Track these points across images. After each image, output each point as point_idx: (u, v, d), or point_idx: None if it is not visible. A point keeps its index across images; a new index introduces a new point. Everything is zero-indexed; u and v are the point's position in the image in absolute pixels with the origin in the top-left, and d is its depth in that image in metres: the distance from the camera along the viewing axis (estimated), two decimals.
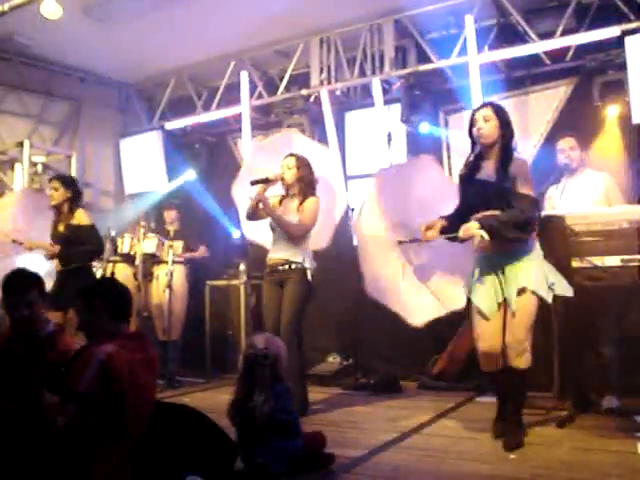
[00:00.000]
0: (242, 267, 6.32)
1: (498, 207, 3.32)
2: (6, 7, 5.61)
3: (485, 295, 3.47)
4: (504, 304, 3.44)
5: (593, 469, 3.03)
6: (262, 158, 5.02)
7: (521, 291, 3.35)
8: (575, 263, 4.06)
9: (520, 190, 3.32)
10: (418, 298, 4.18)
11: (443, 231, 3.59)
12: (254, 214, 4.56)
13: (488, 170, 3.47)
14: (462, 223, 3.48)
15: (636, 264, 3.97)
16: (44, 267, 5.01)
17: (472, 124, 3.53)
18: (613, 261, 4.00)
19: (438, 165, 4.46)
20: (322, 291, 4.63)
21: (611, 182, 4.70)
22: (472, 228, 3.33)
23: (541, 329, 4.15)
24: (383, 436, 3.76)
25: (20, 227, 5.46)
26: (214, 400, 5.00)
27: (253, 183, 4.50)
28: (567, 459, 3.22)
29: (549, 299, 3.39)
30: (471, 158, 3.58)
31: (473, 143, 3.57)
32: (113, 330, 2.66)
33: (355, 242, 4.64)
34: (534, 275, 3.38)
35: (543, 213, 4.10)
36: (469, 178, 3.55)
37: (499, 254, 3.43)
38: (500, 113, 3.50)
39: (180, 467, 2.68)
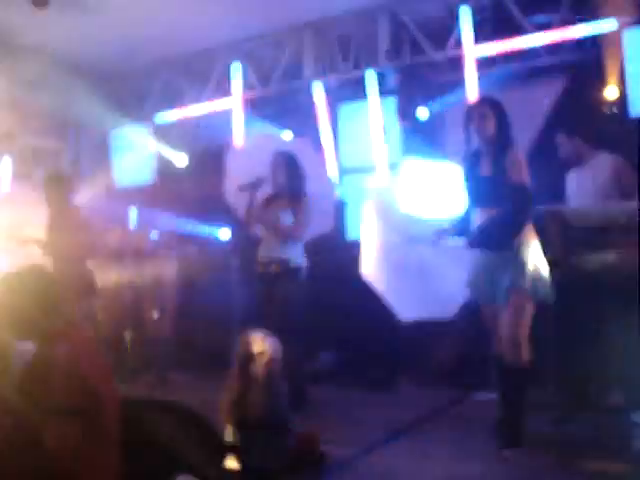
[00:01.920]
0: (235, 264, 6.27)
1: (495, 203, 3.31)
2: None
3: (481, 288, 3.47)
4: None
5: (590, 468, 3.03)
6: (244, 161, 5.00)
7: (513, 289, 3.29)
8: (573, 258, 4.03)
9: (515, 178, 3.30)
10: (416, 294, 4.25)
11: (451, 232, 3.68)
12: (251, 223, 4.58)
13: (486, 165, 3.45)
14: (466, 224, 3.54)
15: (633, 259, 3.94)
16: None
17: (469, 120, 3.49)
18: (611, 257, 3.97)
19: None
20: (318, 288, 4.60)
21: (623, 165, 4.59)
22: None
23: (535, 325, 4.14)
24: (378, 434, 3.76)
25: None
26: (206, 397, 4.93)
27: (241, 189, 4.51)
28: (563, 457, 3.20)
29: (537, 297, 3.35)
30: (468, 154, 3.56)
31: (469, 138, 3.53)
32: (51, 327, 2.38)
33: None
34: (525, 272, 3.31)
35: (542, 208, 4.06)
36: (468, 175, 3.52)
37: (493, 252, 3.40)
38: (498, 109, 3.47)
39: (172, 465, 2.63)
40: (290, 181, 4.51)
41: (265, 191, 4.63)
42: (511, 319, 3.31)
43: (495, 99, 3.63)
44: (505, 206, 3.27)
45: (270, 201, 4.60)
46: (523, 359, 3.32)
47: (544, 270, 3.40)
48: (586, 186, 4.59)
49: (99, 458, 2.32)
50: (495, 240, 3.33)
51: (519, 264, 3.32)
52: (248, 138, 5.62)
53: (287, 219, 4.43)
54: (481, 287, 3.48)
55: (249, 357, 3.09)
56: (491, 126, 3.42)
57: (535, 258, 3.39)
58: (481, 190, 3.42)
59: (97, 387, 2.32)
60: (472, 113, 3.48)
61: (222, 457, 2.96)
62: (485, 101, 3.59)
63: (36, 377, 2.29)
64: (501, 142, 3.42)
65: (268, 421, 3.00)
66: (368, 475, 3.07)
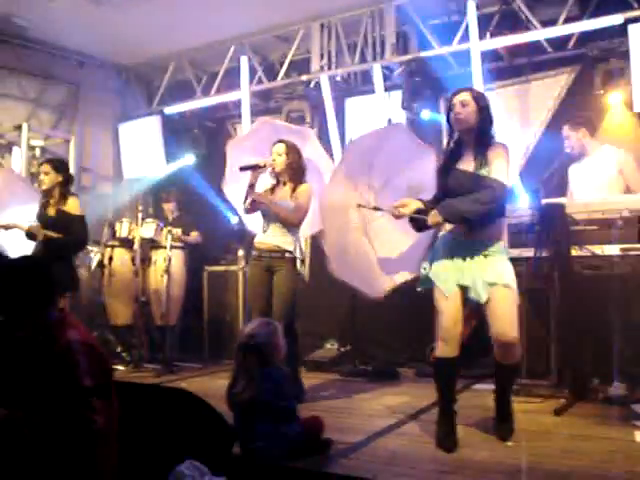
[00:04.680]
0: (240, 253, 6.32)
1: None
2: None
3: (446, 275, 3.30)
4: (463, 290, 3.27)
5: (591, 457, 3.03)
6: (244, 152, 4.92)
7: (496, 285, 3.18)
8: (574, 251, 4.07)
9: (494, 175, 3.15)
10: (377, 268, 4.22)
11: (416, 212, 3.37)
12: (252, 209, 4.52)
13: (467, 159, 3.29)
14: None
15: (636, 253, 3.97)
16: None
17: (450, 109, 3.32)
18: (612, 250, 4.01)
19: (409, 131, 4.29)
20: (320, 277, 4.63)
21: (627, 159, 4.57)
22: (435, 217, 3.21)
23: (537, 317, 4.18)
24: (381, 422, 3.78)
25: None
26: (211, 385, 5.01)
27: (242, 169, 4.46)
28: (565, 446, 3.22)
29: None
30: (451, 146, 3.41)
31: (451, 129, 3.38)
32: (50, 318, 2.42)
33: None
34: (506, 271, 3.23)
35: (543, 201, 4.09)
36: (448, 168, 3.35)
37: (473, 240, 3.25)
38: (479, 98, 3.30)
39: (178, 451, 2.68)
40: (290, 167, 4.48)
41: (266, 179, 4.62)
42: (503, 316, 3.21)
43: (476, 89, 3.52)
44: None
45: (271, 189, 4.60)
46: (517, 356, 3.31)
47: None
48: (589, 179, 4.62)
49: (111, 438, 2.39)
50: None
51: (503, 261, 3.25)
52: (250, 128, 5.57)
53: (287, 204, 4.41)
54: (448, 267, 3.30)
55: (241, 345, 3.13)
56: (471, 114, 3.26)
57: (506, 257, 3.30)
58: (460, 183, 3.25)
59: (108, 366, 2.42)
60: (453, 101, 3.30)
61: (227, 443, 3.01)
62: (465, 90, 3.38)
63: (47, 363, 2.29)
64: (481, 134, 3.28)
65: (270, 408, 3.01)
66: (371, 462, 3.05)
